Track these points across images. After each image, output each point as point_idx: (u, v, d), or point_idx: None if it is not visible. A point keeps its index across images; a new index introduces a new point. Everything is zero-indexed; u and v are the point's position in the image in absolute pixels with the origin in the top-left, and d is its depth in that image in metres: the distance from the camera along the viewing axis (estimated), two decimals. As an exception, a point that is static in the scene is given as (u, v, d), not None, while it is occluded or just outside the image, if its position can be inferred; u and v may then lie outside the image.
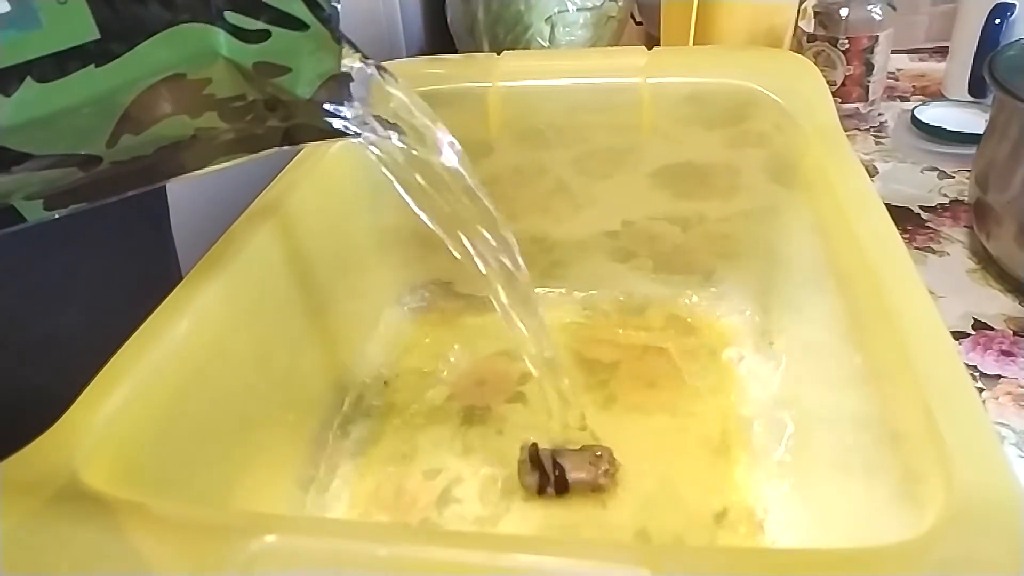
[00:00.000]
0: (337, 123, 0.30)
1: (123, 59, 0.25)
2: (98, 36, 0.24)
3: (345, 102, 0.29)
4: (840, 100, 0.70)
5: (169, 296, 0.33)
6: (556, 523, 0.39)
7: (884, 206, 0.37)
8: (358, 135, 0.31)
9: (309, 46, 0.27)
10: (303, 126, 0.30)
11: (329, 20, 0.27)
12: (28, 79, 0.24)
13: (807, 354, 0.44)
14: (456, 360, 0.49)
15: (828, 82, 0.69)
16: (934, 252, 0.55)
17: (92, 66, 0.24)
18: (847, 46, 0.68)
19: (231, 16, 0.25)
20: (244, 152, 0.30)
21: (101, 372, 0.28)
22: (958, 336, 0.48)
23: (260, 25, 0.26)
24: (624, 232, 0.54)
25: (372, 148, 0.32)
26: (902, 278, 0.33)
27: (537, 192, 0.53)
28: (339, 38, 0.27)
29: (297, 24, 0.26)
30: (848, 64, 0.69)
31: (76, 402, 0.27)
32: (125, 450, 0.28)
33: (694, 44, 0.68)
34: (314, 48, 0.27)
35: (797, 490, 0.39)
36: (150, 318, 0.31)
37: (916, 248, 0.56)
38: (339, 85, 0.29)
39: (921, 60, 0.85)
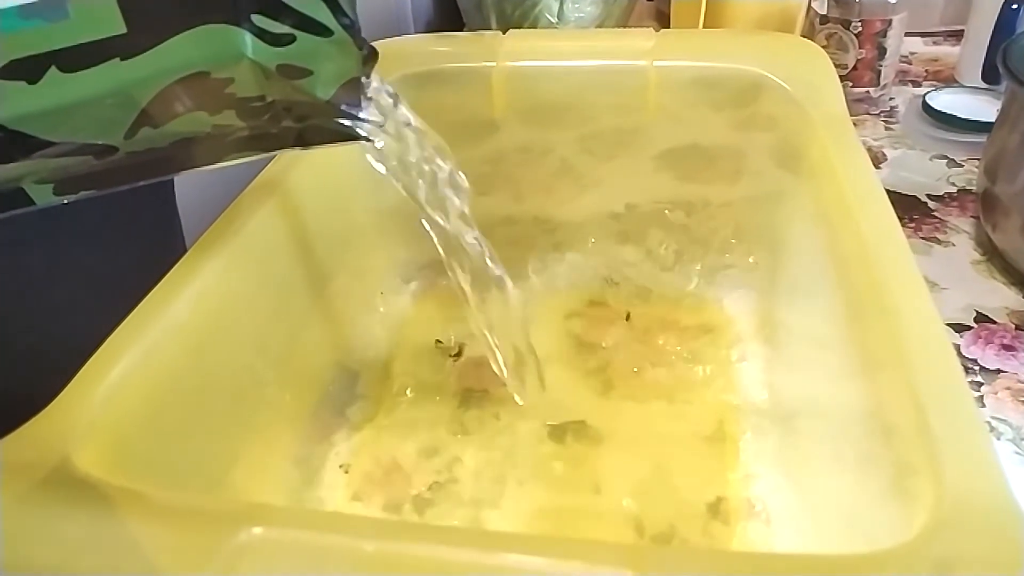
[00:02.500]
0: (351, 125, 0.30)
1: (148, 54, 0.25)
2: (124, 30, 0.25)
3: (362, 106, 0.30)
4: (851, 84, 0.69)
5: (167, 275, 0.33)
6: (550, 507, 0.39)
7: (888, 200, 0.36)
8: (370, 140, 0.31)
9: (331, 51, 0.27)
10: (317, 128, 0.30)
11: (352, 27, 0.27)
12: (52, 68, 0.24)
13: (806, 344, 0.44)
14: (455, 342, 0.49)
15: (839, 65, 0.68)
16: (939, 242, 0.55)
17: (117, 59, 0.25)
18: (860, 29, 0.67)
19: (258, 19, 0.26)
20: (256, 151, 0.30)
21: (96, 352, 0.28)
22: (959, 329, 0.48)
23: (285, 29, 0.26)
24: (627, 215, 0.54)
25: (382, 150, 0.32)
26: (902, 273, 0.33)
27: (542, 172, 0.53)
28: (361, 44, 0.28)
29: (321, 29, 0.26)
30: (860, 48, 0.68)
31: (71, 383, 0.27)
32: (120, 431, 0.28)
33: (705, 23, 0.67)
34: (336, 53, 0.27)
35: (791, 481, 0.39)
36: (147, 298, 0.31)
37: (921, 238, 0.55)
38: (357, 89, 0.29)
39: (935, 44, 0.84)
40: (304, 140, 0.30)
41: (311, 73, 0.27)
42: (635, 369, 0.46)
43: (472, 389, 0.46)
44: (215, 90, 0.27)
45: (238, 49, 0.26)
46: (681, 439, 0.42)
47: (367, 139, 0.31)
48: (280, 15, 0.26)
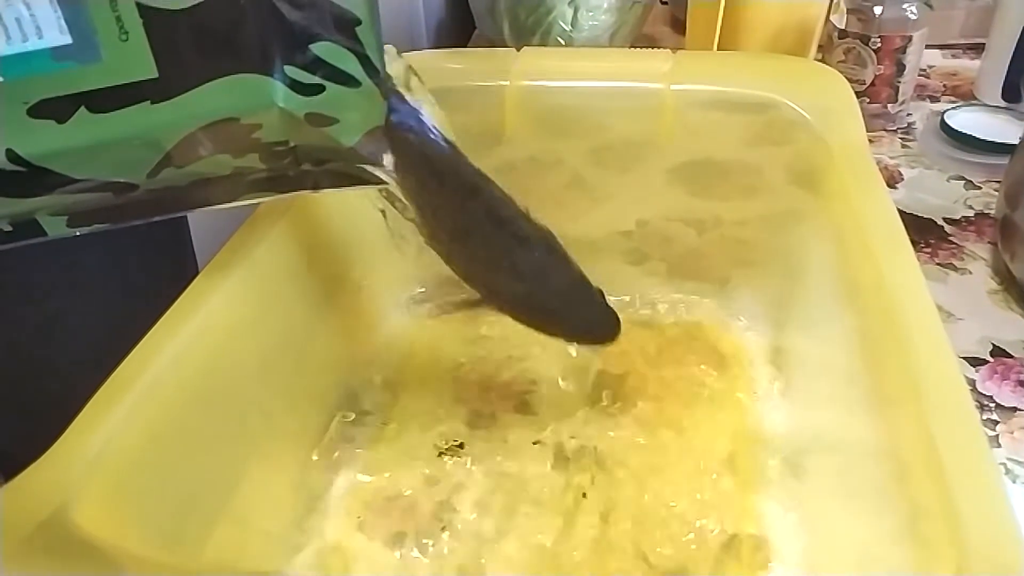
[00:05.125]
0: (371, 170, 0.30)
1: (179, 100, 0.25)
2: (156, 75, 0.25)
3: (383, 153, 0.30)
4: (868, 100, 0.68)
5: (169, 310, 0.32)
6: (556, 539, 0.38)
7: (905, 233, 0.36)
8: (387, 183, 0.31)
9: (358, 101, 0.28)
10: (335, 172, 0.30)
11: (379, 78, 0.27)
12: (82, 108, 0.25)
13: (819, 374, 0.43)
14: (462, 363, 0.48)
15: (857, 81, 0.67)
16: (956, 269, 0.54)
17: (147, 103, 0.25)
18: (879, 45, 0.66)
19: (290, 70, 0.26)
20: (272, 192, 0.30)
21: (95, 395, 0.28)
22: (975, 363, 0.47)
23: (316, 80, 0.27)
24: (638, 232, 0.53)
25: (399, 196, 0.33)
26: (916, 304, 0.32)
27: (552, 184, 0.52)
28: (387, 95, 0.28)
29: (350, 81, 0.27)
30: (879, 63, 0.67)
31: (68, 429, 0.26)
32: (118, 475, 0.27)
33: (721, 35, 0.66)
34: (363, 103, 0.28)
35: (803, 516, 0.39)
36: (147, 335, 0.31)
37: (937, 264, 0.54)
38: (381, 136, 0.29)
39: (954, 57, 0.83)
40: (322, 183, 0.31)
41: (337, 121, 0.28)
42: (644, 397, 0.45)
43: (479, 413, 0.45)
44: (242, 135, 0.27)
45: (269, 98, 0.26)
46: (690, 471, 0.41)
47: (384, 183, 0.31)
48: (312, 67, 0.26)
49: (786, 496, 0.40)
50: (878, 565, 0.33)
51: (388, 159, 0.30)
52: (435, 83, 0.47)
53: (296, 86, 0.26)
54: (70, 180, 0.26)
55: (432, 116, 0.34)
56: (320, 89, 0.27)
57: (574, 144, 0.50)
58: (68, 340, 0.47)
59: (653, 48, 0.86)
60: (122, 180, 0.27)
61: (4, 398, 0.47)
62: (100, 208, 0.28)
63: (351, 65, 0.27)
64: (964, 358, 0.47)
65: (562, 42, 0.71)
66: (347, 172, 0.30)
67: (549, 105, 0.47)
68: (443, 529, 0.39)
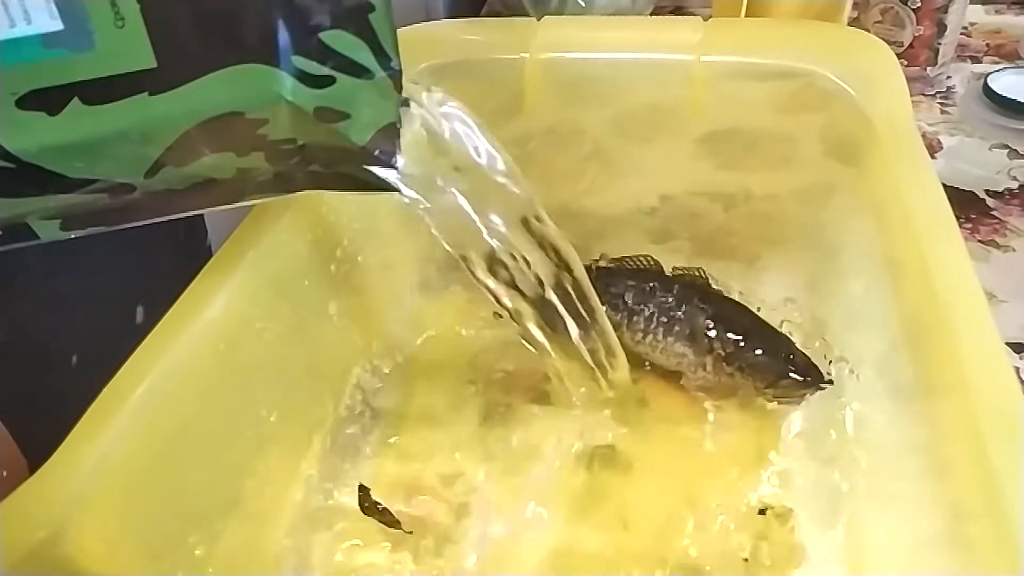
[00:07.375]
0: (382, 173, 0.29)
1: (179, 91, 0.24)
2: (155, 65, 0.23)
3: (395, 153, 0.28)
4: (906, 63, 0.65)
5: (170, 310, 0.31)
6: (576, 546, 0.37)
7: (953, 217, 0.33)
8: (398, 190, 0.29)
9: (371, 94, 0.26)
10: (344, 175, 0.29)
11: (392, 67, 0.26)
12: (75, 100, 0.23)
13: (855, 360, 0.41)
14: (478, 350, 0.46)
15: (894, 43, 0.64)
16: (998, 247, 0.51)
17: (145, 94, 0.24)
18: (919, 4, 0.62)
19: (298, 60, 0.25)
20: (276, 192, 0.29)
21: (91, 407, 0.26)
22: (1018, 349, 0.44)
23: (326, 71, 0.25)
24: (662, 208, 0.51)
25: (410, 201, 0.31)
26: (964, 294, 0.30)
27: (572, 157, 0.49)
28: (401, 87, 0.26)
29: (362, 72, 0.25)
30: (918, 24, 0.63)
31: (62, 445, 0.25)
32: (118, 488, 0.26)
33: (750, -5, 0.62)
34: (375, 96, 0.26)
35: (836, 517, 0.37)
36: (147, 339, 0.29)
37: (979, 241, 0.51)
38: (393, 134, 0.28)
39: (997, 13, 0.78)
40: (328, 185, 0.29)
41: (348, 116, 0.26)
42: (669, 386, 0.44)
43: (496, 404, 0.43)
44: (247, 131, 0.25)
45: (276, 91, 0.24)
46: (716, 468, 0.40)
47: (395, 190, 0.29)
48: (321, 57, 0.25)
49: (817, 495, 0.38)
50: (918, 569, 0.31)
51: (400, 161, 0.28)
52: (450, 56, 0.45)
53: (305, 77, 0.25)
54: (62, 179, 0.25)
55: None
56: (330, 81, 0.25)
57: (595, 115, 0.47)
58: (74, 330, 0.46)
59: (679, 10, 0.83)
60: (118, 180, 0.26)
61: (7, 390, 0.47)
62: (95, 211, 0.27)
63: (363, 55, 0.25)
64: (1008, 344, 0.45)
65: (582, 4, 0.67)
66: (356, 176, 0.28)
67: (572, 77, 0.44)
68: (459, 534, 0.38)
